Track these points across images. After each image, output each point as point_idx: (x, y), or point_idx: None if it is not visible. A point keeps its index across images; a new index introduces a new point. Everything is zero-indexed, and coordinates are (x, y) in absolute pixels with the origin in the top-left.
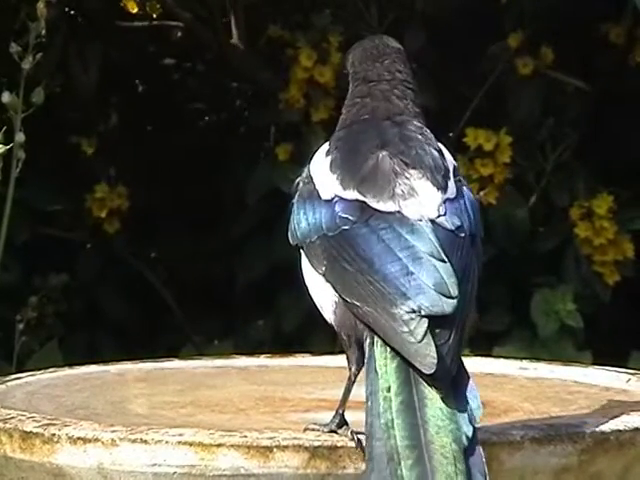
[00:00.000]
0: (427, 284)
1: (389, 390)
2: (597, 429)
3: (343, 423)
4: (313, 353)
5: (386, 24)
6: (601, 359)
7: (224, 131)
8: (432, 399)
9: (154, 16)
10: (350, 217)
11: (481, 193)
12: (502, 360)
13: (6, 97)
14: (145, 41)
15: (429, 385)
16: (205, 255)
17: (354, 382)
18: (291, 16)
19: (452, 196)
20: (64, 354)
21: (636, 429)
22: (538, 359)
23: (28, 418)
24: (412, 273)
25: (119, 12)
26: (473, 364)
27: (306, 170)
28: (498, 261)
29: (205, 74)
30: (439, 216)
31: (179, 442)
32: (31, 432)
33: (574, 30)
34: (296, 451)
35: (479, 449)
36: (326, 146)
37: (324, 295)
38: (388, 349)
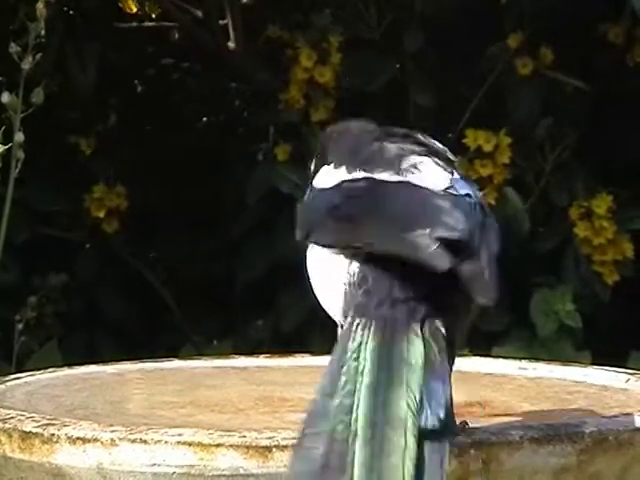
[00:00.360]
0: (440, 218)
1: (357, 369)
2: (596, 429)
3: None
4: (313, 353)
5: (385, 24)
6: (600, 359)
7: (223, 131)
8: (400, 386)
9: (153, 16)
10: (360, 185)
11: (480, 194)
12: (501, 360)
13: (5, 97)
14: (144, 41)
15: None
16: (204, 255)
17: None
18: (290, 16)
19: (458, 177)
20: (63, 354)
21: (635, 429)
22: (537, 359)
23: (27, 418)
24: (422, 213)
25: (117, 12)
26: (472, 364)
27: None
28: (497, 261)
29: (204, 74)
30: (447, 188)
31: (178, 442)
32: (30, 432)
33: (573, 30)
34: None
35: (441, 447)
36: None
37: (330, 273)
38: (369, 329)
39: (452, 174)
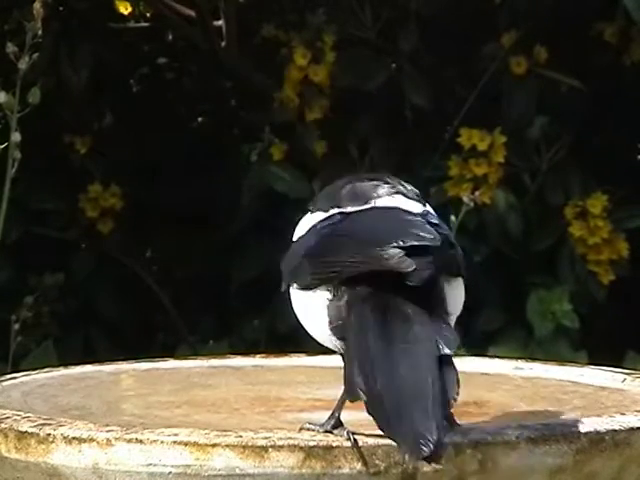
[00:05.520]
0: (402, 230)
1: (362, 324)
2: (592, 429)
3: (339, 424)
4: (308, 353)
5: (380, 24)
6: (596, 359)
7: (218, 131)
8: (408, 325)
9: (147, 15)
10: (328, 222)
11: (476, 193)
12: (497, 360)
13: (2, 97)
14: (138, 41)
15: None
16: (200, 255)
17: None
18: (285, 15)
19: (430, 210)
20: (59, 354)
21: (632, 429)
22: (533, 359)
23: (23, 418)
24: (392, 228)
25: (112, 12)
26: (468, 364)
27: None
28: (493, 261)
29: (199, 74)
30: (419, 214)
31: (174, 442)
32: (26, 432)
33: (568, 29)
34: (291, 451)
35: (451, 375)
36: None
37: (312, 305)
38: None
39: (424, 205)
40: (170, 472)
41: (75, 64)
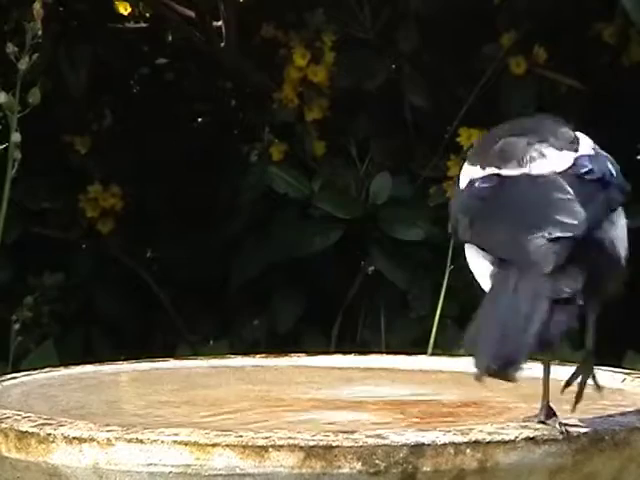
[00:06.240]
0: (553, 216)
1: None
2: (592, 429)
3: (552, 414)
4: (308, 353)
5: (380, 24)
6: (596, 359)
7: (218, 131)
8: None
9: (147, 16)
10: (486, 185)
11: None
12: None
13: (2, 97)
14: (138, 41)
15: None
16: (200, 255)
17: (549, 369)
18: (284, 16)
19: (582, 153)
20: (59, 354)
21: (631, 429)
22: (533, 359)
23: (24, 418)
24: (533, 212)
25: (111, 13)
26: (468, 364)
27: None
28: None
29: (198, 74)
30: (569, 168)
31: (174, 442)
32: (27, 432)
33: (567, 29)
34: (291, 451)
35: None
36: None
37: (479, 265)
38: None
39: (576, 151)
40: (170, 472)
41: (75, 64)
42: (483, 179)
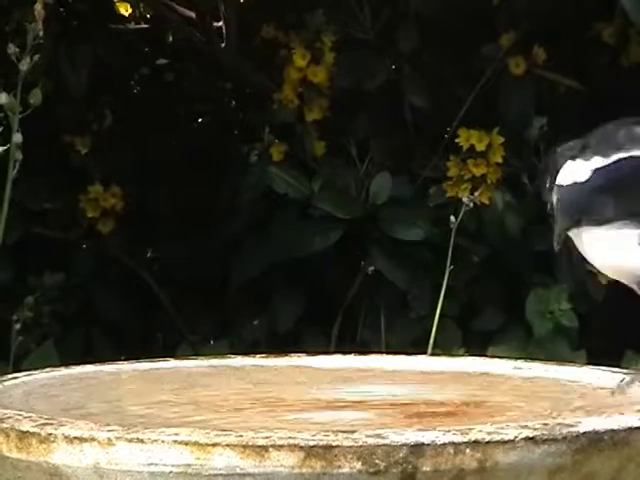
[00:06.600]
0: None
1: None
2: (591, 429)
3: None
4: (308, 353)
5: (379, 24)
6: (595, 358)
7: (218, 131)
8: None
9: (148, 16)
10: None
11: (475, 194)
12: (497, 360)
13: (3, 98)
14: (139, 42)
15: None
16: (200, 255)
17: None
18: (284, 16)
19: None
20: (60, 354)
21: (630, 429)
22: (533, 359)
23: (25, 418)
24: None
25: (112, 13)
26: (467, 364)
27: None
28: (492, 261)
29: (199, 75)
30: None
31: (175, 441)
32: (28, 432)
33: (566, 30)
34: (291, 450)
35: None
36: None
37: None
38: None
39: None
40: (171, 471)
41: (75, 65)
42: (618, 160)
